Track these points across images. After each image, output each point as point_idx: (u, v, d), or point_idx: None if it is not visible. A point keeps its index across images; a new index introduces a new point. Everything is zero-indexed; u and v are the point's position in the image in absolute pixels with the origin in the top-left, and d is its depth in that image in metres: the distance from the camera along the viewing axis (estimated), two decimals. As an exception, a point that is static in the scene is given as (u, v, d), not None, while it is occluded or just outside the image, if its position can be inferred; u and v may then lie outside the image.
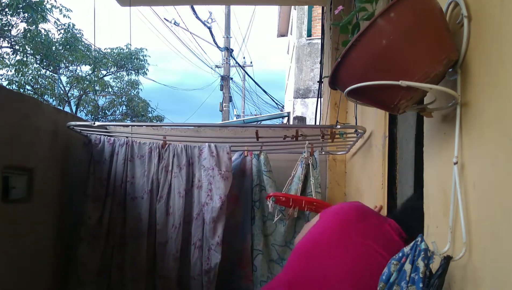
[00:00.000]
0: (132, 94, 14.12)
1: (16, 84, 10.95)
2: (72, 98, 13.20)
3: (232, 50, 14.21)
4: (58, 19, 11.17)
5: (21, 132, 1.83)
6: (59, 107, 10.25)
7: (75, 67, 12.83)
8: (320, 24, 5.73)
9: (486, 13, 0.82)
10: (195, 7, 10.73)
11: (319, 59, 3.37)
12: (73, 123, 2.16)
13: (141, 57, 13.55)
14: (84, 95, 13.18)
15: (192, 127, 2.82)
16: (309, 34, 9.09)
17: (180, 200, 2.23)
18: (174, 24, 12.88)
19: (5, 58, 11.00)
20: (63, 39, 11.56)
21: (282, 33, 14.01)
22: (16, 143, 1.80)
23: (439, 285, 0.82)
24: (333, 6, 2.58)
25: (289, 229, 2.30)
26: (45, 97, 11.88)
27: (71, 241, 2.22)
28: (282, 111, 13.82)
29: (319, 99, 3.17)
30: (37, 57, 11.49)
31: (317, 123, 3.24)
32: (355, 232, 1.12)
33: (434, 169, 1.07)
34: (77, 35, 11.81)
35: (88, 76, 12.78)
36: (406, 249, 0.88)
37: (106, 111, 14.00)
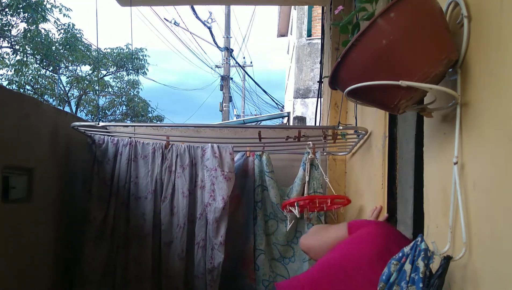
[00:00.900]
0: (132, 94, 14.13)
1: (16, 84, 10.95)
2: (72, 98, 13.21)
3: (232, 50, 14.22)
4: (58, 19, 11.18)
5: (21, 132, 1.83)
6: (59, 107, 10.26)
7: (75, 67, 12.83)
8: (320, 24, 5.73)
9: (486, 13, 0.82)
10: (195, 7, 10.74)
11: (319, 59, 3.37)
12: (77, 123, 2.16)
13: (141, 57, 13.56)
14: (84, 95, 13.19)
15: (193, 127, 2.82)
16: (309, 34, 9.09)
17: (184, 200, 2.24)
18: (174, 24, 12.88)
19: (5, 58, 11.00)
20: (63, 39, 11.56)
21: (282, 33, 14.01)
22: (16, 143, 1.80)
23: (439, 285, 0.82)
24: (333, 6, 2.58)
25: (291, 228, 2.31)
26: (45, 97, 11.89)
27: (72, 241, 2.22)
28: (282, 111, 13.82)
29: (319, 99, 3.17)
30: (37, 57, 11.49)
31: (317, 123, 3.24)
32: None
33: (434, 169, 1.07)
34: (77, 35, 11.81)
35: (88, 76, 12.78)
36: (406, 249, 0.89)
37: (106, 111, 14.01)
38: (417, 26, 0.86)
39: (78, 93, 13.21)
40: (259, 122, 9.96)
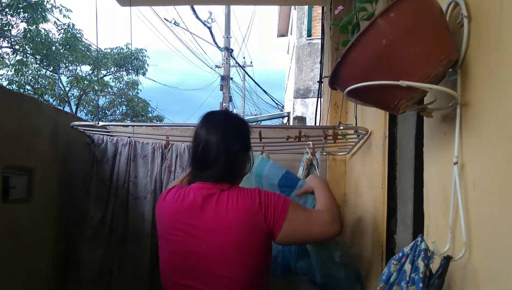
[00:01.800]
0: (132, 94, 14.13)
1: (16, 84, 10.96)
2: (72, 98, 13.21)
3: (232, 50, 14.22)
4: (58, 19, 11.18)
5: (21, 132, 1.83)
6: (59, 107, 10.25)
7: (75, 67, 12.84)
8: (320, 24, 5.73)
9: (486, 13, 0.82)
10: (195, 7, 10.74)
11: (319, 59, 3.37)
12: (76, 123, 2.16)
13: (141, 58, 13.57)
14: (84, 95, 13.19)
15: (193, 127, 2.81)
16: (309, 34, 9.10)
17: (184, 201, 2.24)
18: (174, 24, 12.89)
19: (5, 58, 11.00)
20: (63, 39, 11.56)
21: (282, 33, 14.02)
22: (16, 143, 1.80)
23: (439, 285, 0.82)
24: (333, 6, 2.58)
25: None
26: (45, 97, 11.89)
27: (72, 241, 2.22)
28: (282, 111, 13.82)
29: (319, 99, 3.17)
30: (37, 57, 11.50)
31: (317, 123, 3.24)
32: None
33: (434, 169, 1.07)
34: (77, 35, 11.81)
35: (88, 76, 12.78)
36: (406, 249, 0.89)
37: (106, 111, 14.01)
38: (417, 26, 0.86)
39: (78, 93, 13.21)
40: (259, 122, 9.96)
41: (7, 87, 4.67)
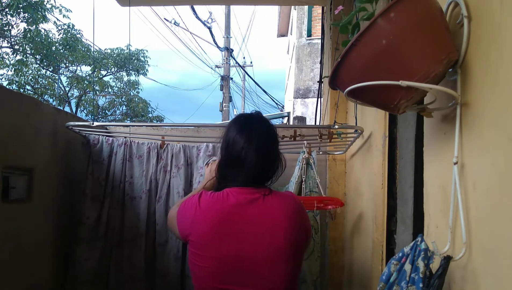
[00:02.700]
0: (132, 94, 14.13)
1: (16, 84, 10.95)
2: (72, 98, 13.21)
3: (232, 50, 14.22)
4: (57, 19, 11.18)
5: (21, 132, 1.83)
6: (59, 107, 10.26)
7: (75, 67, 12.84)
8: (320, 24, 5.73)
9: (486, 13, 0.82)
10: (195, 7, 10.74)
11: (319, 59, 3.37)
12: (71, 123, 2.15)
13: (141, 58, 13.57)
14: (84, 95, 13.19)
15: (192, 127, 2.81)
16: (309, 34, 9.09)
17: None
18: (174, 24, 12.89)
19: (5, 58, 11.00)
20: (63, 39, 11.56)
21: (282, 33, 14.01)
22: (16, 143, 1.80)
23: (439, 285, 0.82)
24: (333, 6, 2.58)
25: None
26: (45, 97, 11.88)
27: (71, 241, 2.22)
28: (282, 111, 13.82)
29: (319, 99, 3.17)
30: (37, 57, 11.50)
31: (317, 123, 3.24)
32: None
33: (434, 169, 1.07)
34: (77, 35, 11.81)
35: (88, 76, 12.79)
36: (406, 249, 0.89)
37: (106, 111, 14.01)
38: (417, 26, 0.86)
39: (78, 93, 13.21)
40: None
41: (7, 87, 4.67)
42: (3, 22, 10.45)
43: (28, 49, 11.12)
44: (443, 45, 0.87)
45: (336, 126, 2.09)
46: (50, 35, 11.33)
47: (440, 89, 0.87)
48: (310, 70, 8.98)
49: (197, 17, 11.57)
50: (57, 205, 2.16)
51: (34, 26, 10.59)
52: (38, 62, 11.64)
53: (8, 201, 1.75)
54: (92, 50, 12.11)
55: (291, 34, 11.45)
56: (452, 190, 0.89)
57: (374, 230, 1.78)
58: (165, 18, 15.40)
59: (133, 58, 13.36)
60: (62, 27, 11.48)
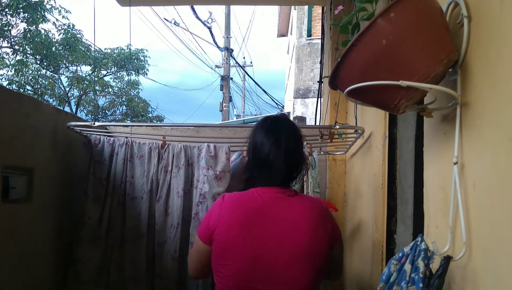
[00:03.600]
0: (132, 94, 14.13)
1: (16, 84, 10.96)
2: (72, 98, 13.21)
3: (232, 50, 14.23)
4: (57, 19, 11.19)
5: (21, 132, 1.83)
6: (59, 107, 10.26)
7: (75, 67, 12.84)
8: (320, 24, 5.73)
9: (486, 13, 0.82)
10: (195, 7, 10.74)
11: (319, 59, 3.37)
12: (73, 123, 2.16)
13: (142, 58, 13.57)
14: (84, 95, 13.19)
15: (192, 127, 2.82)
16: (309, 34, 9.09)
17: (179, 200, 2.23)
18: (174, 24, 12.89)
19: (5, 58, 11.00)
20: (63, 39, 11.56)
21: (282, 33, 14.01)
22: (16, 143, 1.80)
23: (439, 285, 0.82)
24: (333, 6, 2.58)
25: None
26: (45, 97, 11.88)
27: (71, 241, 2.22)
28: (282, 111, 13.82)
29: (319, 99, 3.17)
30: (37, 57, 11.50)
31: (317, 123, 3.24)
32: None
33: (434, 169, 1.07)
34: (77, 35, 11.81)
35: (88, 76, 12.79)
36: (406, 249, 0.89)
37: (106, 111, 14.01)
38: (417, 26, 0.86)
39: (78, 93, 13.21)
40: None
41: (7, 87, 4.66)
42: (3, 22, 10.45)
43: (28, 49, 11.13)
44: (443, 45, 0.87)
45: (337, 126, 2.09)
46: (50, 35, 11.34)
47: (440, 89, 0.87)
48: (310, 70, 8.98)
49: (197, 17, 11.58)
50: (57, 205, 2.16)
51: (34, 26, 10.59)
52: (38, 62, 11.64)
53: (8, 201, 1.75)
54: (93, 49, 12.12)
55: (291, 34, 11.46)
56: (452, 190, 0.89)
57: (374, 230, 1.78)
58: (165, 18, 15.41)
59: (133, 58, 13.36)
60: (62, 27, 11.48)
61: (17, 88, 10.71)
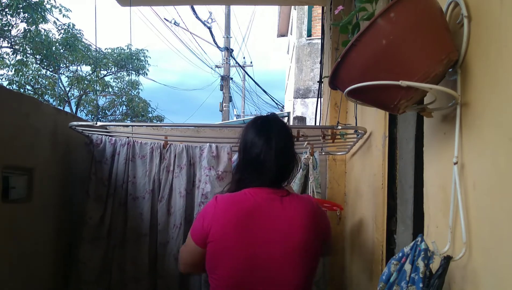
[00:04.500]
0: (133, 94, 14.13)
1: (16, 84, 10.96)
2: (72, 98, 13.21)
3: (232, 50, 14.23)
4: (57, 19, 11.19)
5: (21, 132, 1.83)
6: (59, 107, 10.25)
7: (75, 67, 12.84)
8: (320, 24, 5.73)
9: (486, 13, 0.82)
10: (195, 7, 10.74)
11: (319, 59, 3.37)
12: (75, 123, 2.16)
13: (142, 58, 13.57)
14: (84, 95, 13.19)
15: (193, 127, 2.82)
16: (309, 34, 9.09)
17: (181, 200, 2.23)
18: (174, 24, 12.89)
19: (5, 58, 11.00)
20: (63, 39, 11.56)
21: (282, 33, 14.02)
22: (16, 143, 1.80)
23: (439, 285, 0.82)
24: (333, 6, 2.58)
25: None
26: (45, 97, 11.89)
27: (72, 241, 2.22)
28: (282, 111, 13.82)
29: (319, 99, 3.17)
30: (37, 57, 11.50)
31: (317, 123, 3.24)
32: None
33: (434, 169, 1.07)
34: (77, 35, 11.81)
35: (88, 76, 12.79)
36: (406, 249, 0.89)
37: (106, 111, 14.01)
38: (417, 26, 0.86)
39: (78, 93, 13.21)
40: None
41: (7, 87, 4.66)
42: (3, 22, 10.45)
43: (28, 49, 11.12)
44: (443, 45, 0.87)
45: (340, 127, 2.09)
46: (50, 35, 11.34)
47: (440, 89, 0.87)
48: (310, 70, 8.98)
49: (197, 17, 11.58)
50: (58, 205, 2.16)
51: (34, 26, 10.59)
52: (38, 62, 11.64)
53: (8, 201, 1.75)
54: (95, 48, 12.12)
55: (291, 34, 11.46)
56: (452, 190, 0.89)
57: (374, 230, 1.78)
58: (165, 18, 15.41)
59: (134, 58, 13.36)
60: (62, 27, 11.48)
61: (17, 88, 10.71)
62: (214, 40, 13.50)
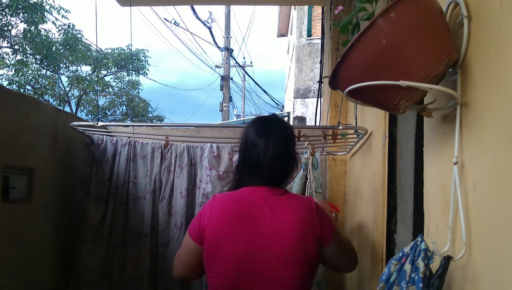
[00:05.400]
0: (133, 94, 14.14)
1: (16, 84, 10.97)
2: (72, 98, 13.21)
3: (232, 50, 14.23)
4: (56, 19, 11.18)
5: (21, 132, 1.83)
6: (59, 107, 10.25)
7: (76, 67, 12.84)
8: (320, 24, 5.73)
9: (486, 13, 0.82)
10: (195, 7, 10.74)
11: (319, 59, 3.37)
12: (76, 123, 2.16)
13: (142, 58, 13.57)
14: (84, 95, 13.19)
15: (193, 127, 2.82)
16: (309, 34, 9.09)
17: (182, 200, 2.23)
18: (174, 24, 12.89)
19: (5, 58, 11.01)
20: (63, 39, 11.56)
21: (282, 33, 14.02)
22: (16, 143, 1.80)
23: (439, 285, 0.82)
24: (333, 6, 2.58)
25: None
26: (45, 97, 11.89)
27: (72, 241, 2.22)
28: (282, 111, 13.83)
29: (319, 99, 3.17)
30: (37, 57, 11.50)
31: (317, 123, 3.24)
32: None
33: (434, 169, 1.07)
34: (77, 35, 11.81)
35: (88, 76, 12.79)
36: (406, 249, 0.89)
37: (107, 111, 14.02)
38: (417, 26, 0.86)
39: (78, 93, 13.21)
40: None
41: (7, 87, 4.66)
42: (3, 22, 10.45)
43: (28, 49, 11.13)
44: (443, 45, 0.87)
45: (341, 127, 2.10)
46: (50, 35, 11.34)
47: (440, 89, 0.87)
48: (310, 70, 8.98)
49: (197, 17, 11.58)
50: (58, 205, 2.16)
51: (33, 27, 10.59)
52: (38, 62, 11.65)
53: (8, 201, 1.75)
54: (95, 48, 12.12)
55: (291, 34, 11.46)
56: (452, 190, 0.89)
57: (374, 230, 1.78)
58: (165, 18, 15.41)
59: (134, 58, 13.36)
60: (62, 27, 11.48)
61: (17, 88, 10.72)
62: (214, 40, 13.51)
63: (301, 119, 7.23)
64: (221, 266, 1.25)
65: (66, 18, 11.34)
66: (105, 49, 13.22)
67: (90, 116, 13.25)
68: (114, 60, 13.14)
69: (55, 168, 2.14)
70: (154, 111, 14.74)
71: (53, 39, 11.44)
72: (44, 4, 10.54)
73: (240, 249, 1.23)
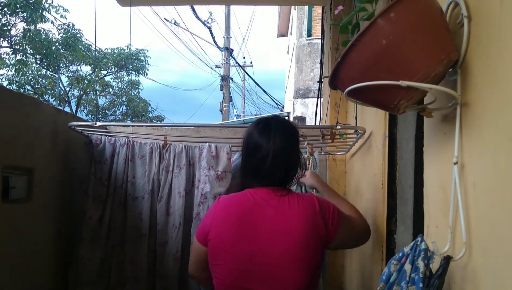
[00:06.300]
0: (133, 94, 14.14)
1: (16, 84, 10.97)
2: (72, 98, 13.22)
3: (232, 50, 14.24)
4: (56, 18, 11.18)
5: (21, 132, 1.83)
6: (59, 107, 10.25)
7: (75, 67, 12.84)
8: (320, 24, 5.73)
9: (486, 13, 0.82)
10: (195, 7, 10.74)
11: (319, 59, 3.37)
12: (74, 123, 2.15)
13: (142, 58, 13.57)
14: (84, 95, 13.19)
15: (193, 127, 2.82)
16: (309, 34, 9.10)
17: (180, 200, 2.23)
18: (174, 24, 12.90)
19: (5, 58, 11.01)
20: (63, 39, 11.57)
21: (282, 33, 14.02)
22: (16, 143, 1.80)
23: (439, 285, 0.82)
24: (333, 6, 2.58)
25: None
26: (45, 97, 11.89)
27: (72, 241, 2.22)
28: (282, 111, 13.83)
29: (319, 99, 3.17)
30: (37, 57, 11.51)
31: (317, 123, 3.24)
32: None
33: (434, 169, 1.07)
34: (77, 35, 11.82)
35: (88, 76, 12.79)
36: (406, 249, 0.89)
37: (106, 111, 14.02)
38: (417, 26, 0.86)
39: (78, 93, 13.21)
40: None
41: (7, 87, 4.66)
42: (3, 22, 10.45)
43: (28, 49, 11.13)
44: (443, 45, 0.87)
45: (339, 127, 2.09)
46: (50, 35, 11.34)
47: (440, 89, 0.87)
48: (310, 70, 8.98)
49: (197, 17, 11.59)
50: (58, 205, 2.16)
51: (33, 26, 10.59)
52: (38, 62, 11.65)
53: (8, 201, 1.75)
54: (95, 48, 12.12)
55: (291, 34, 11.46)
56: (452, 190, 0.89)
57: (374, 230, 1.78)
58: (165, 18, 15.41)
59: (134, 58, 13.37)
60: (62, 26, 11.48)
61: (17, 88, 10.72)
62: (214, 40, 13.52)
63: (301, 119, 7.23)
64: (225, 267, 1.26)
65: (65, 17, 11.35)
66: (105, 49, 13.24)
67: (90, 116, 13.26)
68: (114, 60, 13.14)
69: (55, 168, 2.14)
70: (154, 111, 14.76)
71: (53, 39, 11.44)
72: (43, 3, 10.53)
73: (243, 250, 1.24)
